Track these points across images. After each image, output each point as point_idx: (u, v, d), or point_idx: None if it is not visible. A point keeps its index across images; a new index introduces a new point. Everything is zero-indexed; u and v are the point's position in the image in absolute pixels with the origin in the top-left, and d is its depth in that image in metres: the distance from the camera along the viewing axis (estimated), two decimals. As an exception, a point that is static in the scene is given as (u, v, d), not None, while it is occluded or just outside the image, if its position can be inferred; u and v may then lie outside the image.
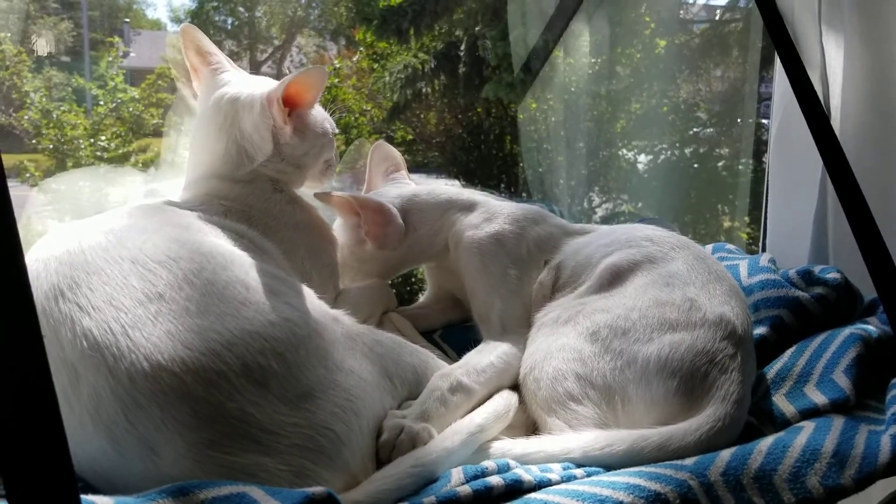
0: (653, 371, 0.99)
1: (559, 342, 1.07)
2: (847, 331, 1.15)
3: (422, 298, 1.45)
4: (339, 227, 1.33)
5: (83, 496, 0.68)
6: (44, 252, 0.93)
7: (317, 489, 0.73)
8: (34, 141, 4.53)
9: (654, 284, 1.09)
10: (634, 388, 0.99)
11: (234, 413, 0.79)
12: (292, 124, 1.20)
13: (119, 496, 0.72)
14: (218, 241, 1.01)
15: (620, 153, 4.73)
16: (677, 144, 4.62)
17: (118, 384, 0.79)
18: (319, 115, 1.27)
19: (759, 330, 1.24)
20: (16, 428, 0.56)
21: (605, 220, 4.75)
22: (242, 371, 0.82)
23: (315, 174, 1.29)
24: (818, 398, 1.06)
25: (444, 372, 1.07)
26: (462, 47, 5.69)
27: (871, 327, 1.17)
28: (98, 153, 4.60)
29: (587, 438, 0.95)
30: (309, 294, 1.02)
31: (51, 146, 4.56)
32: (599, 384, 1.00)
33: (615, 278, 1.13)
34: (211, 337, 0.82)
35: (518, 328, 1.17)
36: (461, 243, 1.26)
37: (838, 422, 0.98)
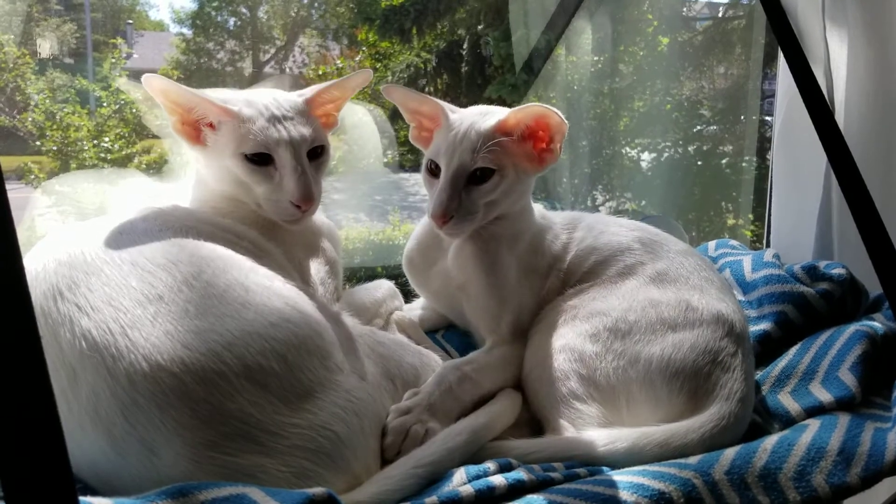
0: (656, 371, 0.99)
1: (559, 342, 1.06)
2: (852, 328, 1.15)
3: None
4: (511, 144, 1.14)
5: (81, 497, 0.68)
6: (43, 253, 0.93)
7: (317, 490, 0.73)
8: (38, 143, 4.54)
9: (646, 286, 1.09)
10: (638, 388, 0.99)
11: (234, 414, 0.79)
12: (189, 132, 1.14)
13: (118, 497, 0.72)
14: (217, 244, 1.00)
15: (624, 151, 4.72)
16: (680, 142, 4.61)
17: (117, 384, 0.79)
18: (228, 136, 1.11)
19: (764, 326, 1.24)
20: (13, 429, 0.55)
21: (609, 219, 4.72)
22: (243, 371, 0.81)
23: (254, 205, 1.15)
24: (824, 396, 1.05)
25: (453, 363, 1.07)
26: (464, 46, 5.69)
27: (877, 324, 1.17)
28: (102, 154, 4.61)
29: (589, 437, 0.95)
30: (309, 295, 1.01)
31: (55, 148, 4.57)
32: (603, 384, 1.00)
33: (608, 281, 1.13)
34: (211, 338, 0.82)
35: (524, 333, 1.17)
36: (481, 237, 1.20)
37: (844, 420, 0.97)
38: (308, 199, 1.11)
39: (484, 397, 1.06)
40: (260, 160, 1.11)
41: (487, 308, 1.16)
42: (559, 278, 1.19)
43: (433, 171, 1.15)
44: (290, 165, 1.11)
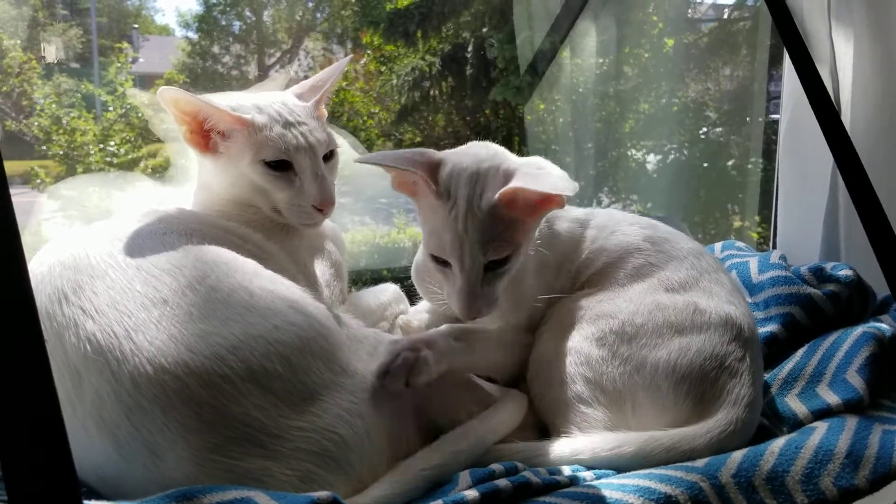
0: (662, 376, 0.98)
1: (565, 345, 1.05)
2: (860, 329, 1.14)
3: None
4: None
5: (86, 501, 0.68)
6: (49, 256, 0.93)
7: (322, 494, 0.73)
8: (44, 147, 4.56)
9: (654, 289, 1.08)
10: (644, 394, 0.98)
11: (238, 417, 0.79)
12: (199, 141, 1.15)
13: (122, 501, 0.72)
14: (222, 248, 1.00)
15: (629, 153, 4.70)
16: (686, 144, 4.59)
17: (121, 388, 0.79)
18: (241, 143, 1.13)
19: (770, 327, 1.23)
20: (18, 433, 0.55)
21: (615, 221, 4.70)
22: (247, 375, 0.81)
23: (269, 210, 1.17)
24: (831, 398, 1.04)
25: (451, 326, 1.07)
26: (469, 49, 5.69)
27: (885, 325, 1.16)
28: (107, 159, 4.63)
29: (596, 440, 0.95)
30: (314, 297, 1.01)
31: (61, 152, 4.58)
32: (609, 389, 1.00)
33: (616, 283, 1.11)
34: (215, 341, 0.82)
35: (531, 328, 1.15)
36: None
37: (852, 422, 0.97)
38: (330, 201, 1.15)
39: (474, 368, 1.06)
40: (279, 166, 1.13)
41: (500, 312, 1.13)
42: (569, 277, 1.17)
43: (440, 261, 1.04)
44: (310, 170, 1.14)
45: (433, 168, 1.03)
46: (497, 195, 0.98)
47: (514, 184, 0.97)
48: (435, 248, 1.03)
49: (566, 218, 1.21)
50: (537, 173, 1.00)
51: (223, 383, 0.79)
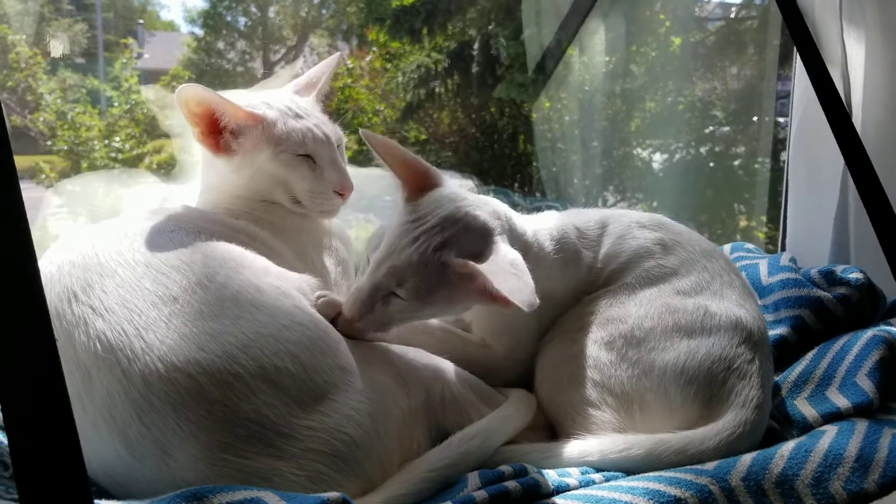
0: (670, 379, 0.97)
1: (574, 349, 1.05)
2: (870, 333, 1.13)
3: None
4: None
5: (96, 500, 0.68)
6: (58, 255, 0.93)
7: (332, 494, 0.73)
8: (49, 142, 4.57)
9: (665, 293, 1.07)
10: (652, 397, 0.98)
11: (249, 415, 0.79)
12: (210, 142, 1.15)
13: (132, 501, 0.72)
14: (231, 245, 1.01)
15: (635, 152, 4.69)
16: (693, 143, 4.57)
17: (132, 386, 0.79)
18: (256, 139, 1.15)
19: (780, 330, 1.23)
20: (29, 431, 0.55)
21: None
22: (258, 373, 0.81)
23: (289, 202, 1.19)
24: (841, 402, 1.04)
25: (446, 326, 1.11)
26: (475, 47, 5.68)
27: (895, 329, 1.15)
28: (112, 154, 4.64)
29: (605, 442, 0.94)
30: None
31: (66, 147, 4.61)
32: (618, 392, 0.99)
33: (626, 287, 1.09)
34: (226, 339, 0.82)
35: (522, 356, 1.13)
36: None
37: (861, 426, 0.97)
38: (350, 186, 1.20)
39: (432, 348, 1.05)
40: (300, 157, 1.17)
41: (487, 337, 1.13)
42: (575, 296, 1.14)
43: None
44: (329, 159, 1.19)
45: (423, 177, 1.01)
46: (460, 263, 0.92)
47: (480, 267, 0.90)
48: (377, 234, 1.02)
49: (583, 246, 1.14)
50: (508, 270, 0.90)
51: (235, 382, 0.79)
